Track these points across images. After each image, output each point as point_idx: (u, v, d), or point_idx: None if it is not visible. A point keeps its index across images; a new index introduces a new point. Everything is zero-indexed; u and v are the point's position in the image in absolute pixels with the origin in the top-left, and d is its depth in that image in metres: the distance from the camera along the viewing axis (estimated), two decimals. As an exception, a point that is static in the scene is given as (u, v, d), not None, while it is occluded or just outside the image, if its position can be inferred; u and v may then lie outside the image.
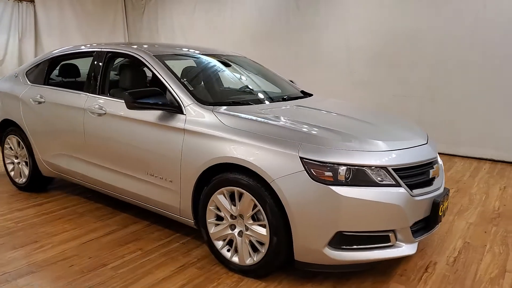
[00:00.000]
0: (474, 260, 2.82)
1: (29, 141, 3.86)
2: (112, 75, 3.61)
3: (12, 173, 4.18)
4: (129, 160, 3.05)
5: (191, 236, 3.14)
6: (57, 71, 3.93)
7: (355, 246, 2.29)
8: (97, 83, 3.37)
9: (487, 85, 5.55)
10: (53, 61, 3.90)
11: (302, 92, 3.74)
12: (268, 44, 7.69)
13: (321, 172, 2.21)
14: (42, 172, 3.92)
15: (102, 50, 3.46)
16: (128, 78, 3.40)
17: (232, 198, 2.54)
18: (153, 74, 3.03)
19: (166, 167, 2.81)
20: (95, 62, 3.45)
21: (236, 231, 2.57)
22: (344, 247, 2.28)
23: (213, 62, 3.64)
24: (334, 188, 2.19)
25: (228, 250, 2.64)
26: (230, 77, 3.59)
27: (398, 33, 6.21)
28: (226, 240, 2.63)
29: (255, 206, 2.42)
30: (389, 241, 2.34)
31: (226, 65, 3.69)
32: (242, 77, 3.63)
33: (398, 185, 2.29)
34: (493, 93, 5.52)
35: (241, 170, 2.45)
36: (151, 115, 2.89)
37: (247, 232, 2.50)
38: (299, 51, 7.36)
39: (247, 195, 2.42)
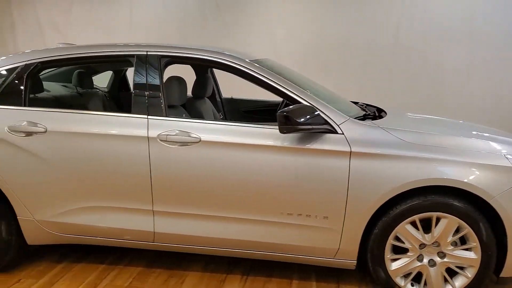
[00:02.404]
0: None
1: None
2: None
3: None
4: (249, 200, 2.29)
5: (293, 279, 2.60)
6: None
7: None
8: (160, 100, 2.40)
9: (411, 86, 6.44)
10: (40, 69, 2.58)
11: None
12: (183, 46, 6.95)
13: (533, 180, 2.15)
14: (29, 239, 2.56)
15: (152, 53, 2.47)
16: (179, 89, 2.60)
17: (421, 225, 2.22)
18: (270, 87, 2.34)
19: (318, 201, 2.24)
20: (144, 72, 2.44)
21: (426, 261, 2.26)
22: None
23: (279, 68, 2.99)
24: (546, 194, 2.17)
25: (412, 285, 2.30)
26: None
27: (326, 39, 6.53)
28: (412, 275, 2.28)
29: (457, 229, 2.18)
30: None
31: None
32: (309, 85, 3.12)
33: None
34: (415, 92, 6.44)
35: (439, 192, 2.17)
36: (283, 139, 2.24)
37: (445, 260, 2.23)
38: (221, 54, 6.91)
39: (452, 219, 2.15)
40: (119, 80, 3.95)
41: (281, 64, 3.08)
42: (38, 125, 2.40)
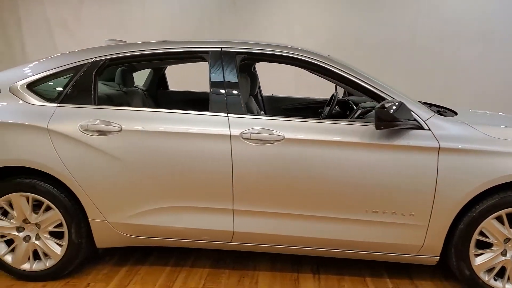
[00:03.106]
0: None
1: (69, 198, 2.38)
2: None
3: (9, 258, 2.48)
4: (333, 198, 2.27)
5: (365, 276, 2.60)
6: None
7: None
8: (239, 98, 2.35)
9: (426, 84, 6.51)
10: (107, 66, 2.49)
11: None
12: (199, 44, 6.86)
13: None
14: (99, 242, 2.48)
15: (227, 50, 2.43)
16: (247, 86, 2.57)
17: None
18: (352, 83, 2.33)
19: (405, 198, 2.23)
20: (220, 69, 2.39)
21: (510, 255, 2.28)
22: None
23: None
24: None
25: (495, 280, 2.32)
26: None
27: (343, 37, 6.55)
28: (496, 269, 2.29)
29: (541, 223, 2.22)
30: None
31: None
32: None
33: None
34: (429, 90, 6.52)
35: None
36: (370, 135, 2.22)
37: (528, 253, 2.26)
38: (238, 52, 6.85)
39: (539, 213, 2.18)
40: (159, 79, 3.86)
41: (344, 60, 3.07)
42: (112, 124, 2.33)
